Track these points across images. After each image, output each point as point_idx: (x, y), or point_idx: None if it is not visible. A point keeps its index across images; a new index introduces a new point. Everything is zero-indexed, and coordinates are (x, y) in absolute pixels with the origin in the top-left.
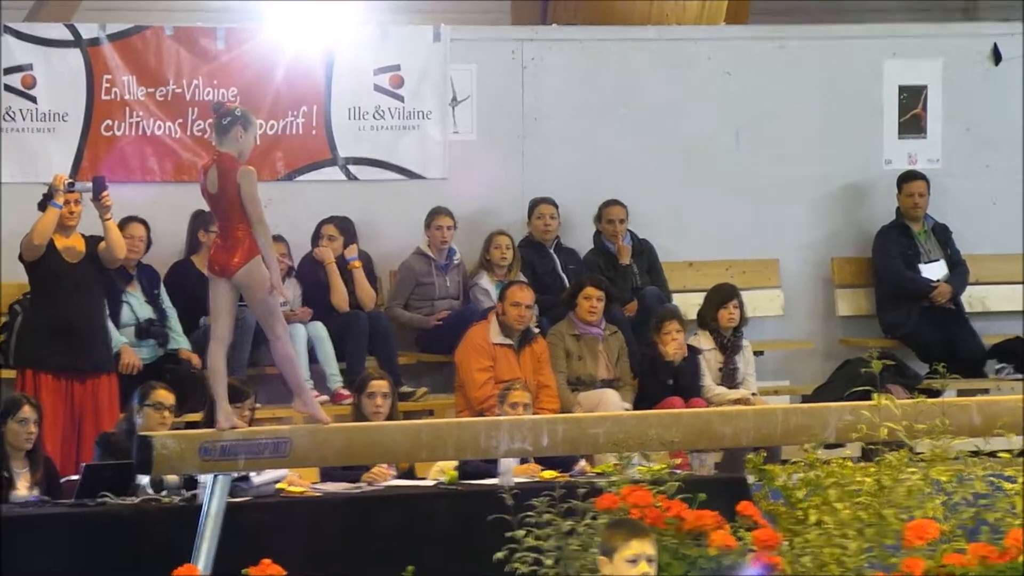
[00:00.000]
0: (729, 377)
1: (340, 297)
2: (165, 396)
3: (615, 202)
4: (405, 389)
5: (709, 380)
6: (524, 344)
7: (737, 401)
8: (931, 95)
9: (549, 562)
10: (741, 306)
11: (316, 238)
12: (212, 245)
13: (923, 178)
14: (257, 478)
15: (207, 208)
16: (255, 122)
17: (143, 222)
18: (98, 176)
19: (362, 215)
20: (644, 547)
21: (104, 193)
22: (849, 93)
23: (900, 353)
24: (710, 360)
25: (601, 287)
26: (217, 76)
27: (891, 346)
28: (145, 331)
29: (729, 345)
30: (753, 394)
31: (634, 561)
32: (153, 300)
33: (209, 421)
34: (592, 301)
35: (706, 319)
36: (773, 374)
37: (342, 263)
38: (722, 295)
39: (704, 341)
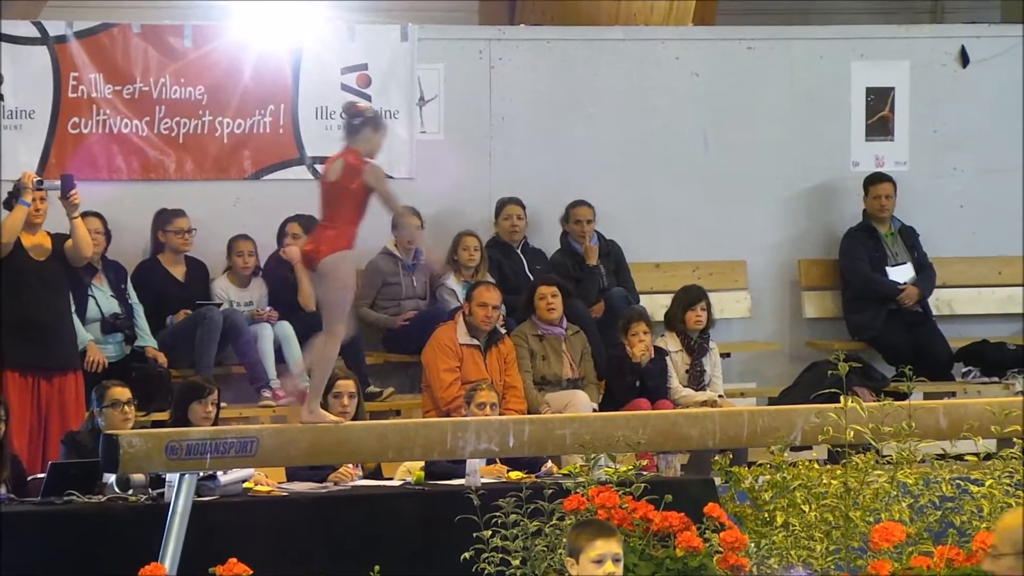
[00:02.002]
0: (696, 379)
1: (307, 296)
2: (120, 392)
3: (582, 203)
4: (372, 389)
5: (676, 382)
6: (491, 345)
7: (704, 403)
8: (898, 97)
9: (516, 562)
10: (708, 308)
11: (280, 236)
12: (310, 237)
13: (890, 180)
14: (224, 477)
15: (170, 207)
16: (386, 124)
17: (99, 215)
18: (66, 174)
19: None
20: (610, 546)
21: (72, 192)
22: (816, 95)
23: (867, 355)
24: (677, 362)
25: (552, 283)
26: (184, 74)
27: (858, 348)
28: (111, 325)
29: (696, 347)
30: (720, 396)
31: (600, 561)
32: (119, 294)
33: (175, 420)
34: (548, 299)
35: (673, 321)
36: (740, 376)
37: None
38: (690, 297)
39: (671, 343)
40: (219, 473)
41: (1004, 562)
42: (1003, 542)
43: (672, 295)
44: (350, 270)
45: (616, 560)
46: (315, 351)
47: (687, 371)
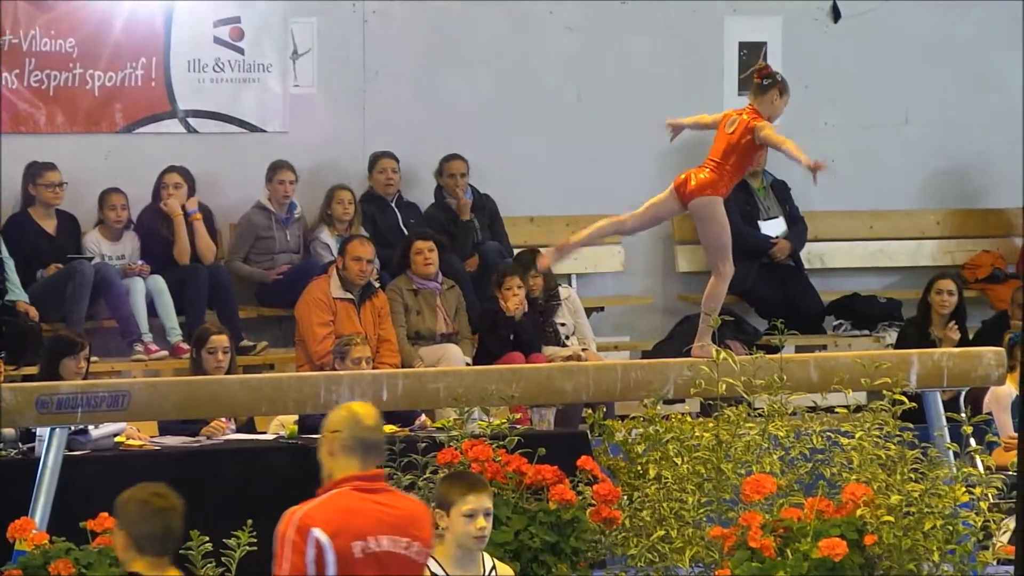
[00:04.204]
0: (552, 338)
1: (182, 250)
2: None
3: (456, 156)
4: (245, 343)
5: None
6: (364, 298)
7: (569, 358)
8: (771, 52)
9: None
10: (543, 273)
11: (158, 188)
12: (695, 169)
13: None
14: (95, 431)
15: (40, 160)
16: (789, 90)
17: None
18: None
19: (202, 168)
20: (482, 501)
21: None
22: (690, 50)
23: (739, 309)
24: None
25: (429, 238)
26: (55, 27)
27: (730, 302)
28: None
29: (543, 308)
30: (584, 349)
31: (471, 515)
32: None
33: (46, 375)
34: (424, 254)
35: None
36: (613, 329)
37: (183, 215)
38: (518, 267)
39: None
40: (90, 427)
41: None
42: (330, 425)
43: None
44: (722, 212)
45: (487, 515)
46: (710, 294)
47: (542, 332)
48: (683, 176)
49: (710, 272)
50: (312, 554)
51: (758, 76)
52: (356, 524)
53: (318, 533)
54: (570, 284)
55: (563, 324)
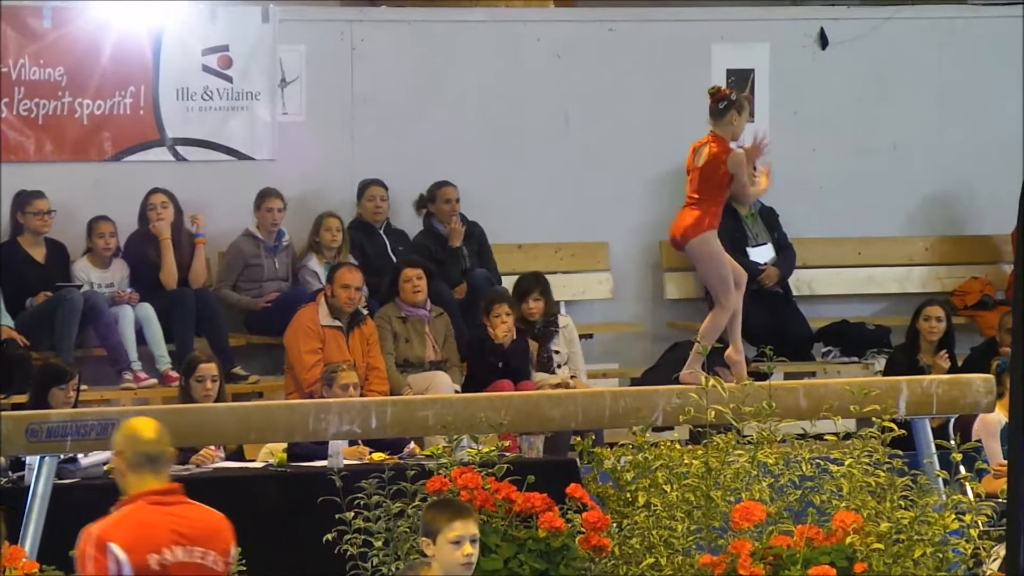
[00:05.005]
0: (545, 364)
1: (169, 274)
2: None
3: (447, 183)
4: (238, 371)
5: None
6: (353, 326)
7: (557, 385)
8: (758, 79)
9: (378, 544)
10: (545, 296)
11: (144, 210)
12: (678, 214)
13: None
14: (85, 460)
15: (29, 188)
16: (747, 107)
17: None
18: None
19: (191, 196)
20: (468, 527)
21: None
22: (678, 76)
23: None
24: (531, 348)
25: (417, 265)
26: (44, 55)
27: None
28: None
29: (541, 333)
30: (572, 376)
31: (458, 542)
32: None
33: (35, 404)
34: (413, 281)
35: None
36: (602, 357)
37: (189, 237)
38: (521, 289)
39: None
40: (80, 455)
41: (118, 461)
42: (114, 447)
43: None
44: (717, 248)
45: (473, 541)
46: (708, 326)
47: (536, 357)
48: (671, 230)
49: (698, 299)
50: (113, 568)
51: (713, 100)
52: (150, 537)
53: (115, 548)
54: (560, 311)
55: (557, 352)
